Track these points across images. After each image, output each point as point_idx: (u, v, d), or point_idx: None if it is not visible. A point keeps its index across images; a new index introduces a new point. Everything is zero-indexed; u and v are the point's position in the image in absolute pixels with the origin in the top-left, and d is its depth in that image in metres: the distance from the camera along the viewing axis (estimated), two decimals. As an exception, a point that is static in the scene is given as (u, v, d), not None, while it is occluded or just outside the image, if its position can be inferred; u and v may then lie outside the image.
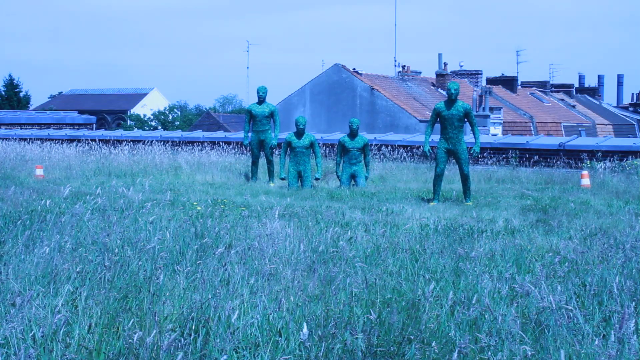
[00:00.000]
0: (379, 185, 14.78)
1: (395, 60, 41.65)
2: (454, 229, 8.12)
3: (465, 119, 11.96)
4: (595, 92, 56.11)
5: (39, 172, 15.14)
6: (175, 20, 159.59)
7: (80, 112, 44.95)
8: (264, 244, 6.54)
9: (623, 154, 18.80)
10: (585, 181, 14.42)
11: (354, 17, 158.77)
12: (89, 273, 5.38)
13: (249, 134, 15.46)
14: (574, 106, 48.93)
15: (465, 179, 12.08)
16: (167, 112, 62.38)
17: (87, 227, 7.11)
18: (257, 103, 15.34)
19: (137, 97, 68.59)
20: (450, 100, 11.89)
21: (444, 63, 40.99)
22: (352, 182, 14.31)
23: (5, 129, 31.75)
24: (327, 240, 6.95)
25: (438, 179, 12.07)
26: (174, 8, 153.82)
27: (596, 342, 4.16)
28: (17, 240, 6.52)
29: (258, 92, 15.32)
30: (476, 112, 36.63)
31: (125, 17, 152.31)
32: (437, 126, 12.27)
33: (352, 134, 14.36)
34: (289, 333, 4.38)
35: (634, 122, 50.02)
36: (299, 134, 14.25)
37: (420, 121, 32.36)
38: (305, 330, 4.22)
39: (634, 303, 5.10)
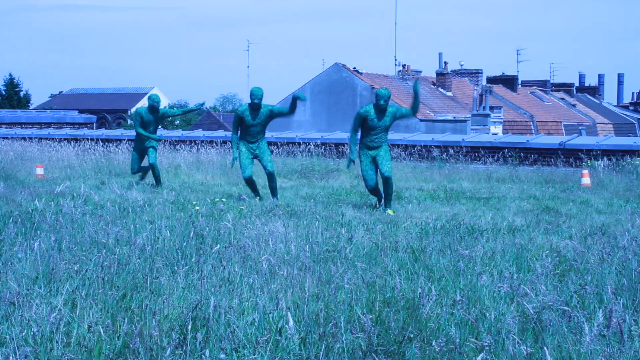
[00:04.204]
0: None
1: (395, 59, 41.73)
2: (455, 227, 8.11)
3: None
4: (595, 91, 56.12)
5: (40, 171, 15.14)
6: (176, 20, 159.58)
7: (81, 111, 44.99)
8: (262, 242, 6.55)
9: (623, 153, 18.80)
10: (586, 180, 14.42)
11: (354, 16, 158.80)
12: (88, 272, 5.38)
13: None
14: (574, 105, 48.93)
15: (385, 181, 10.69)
16: (167, 112, 62.34)
17: (86, 227, 7.11)
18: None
19: (138, 96, 68.59)
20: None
21: (445, 62, 40.98)
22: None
23: (6, 128, 31.76)
24: (326, 238, 6.95)
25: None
26: (176, 17, 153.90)
27: (596, 341, 4.16)
28: (16, 239, 6.52)
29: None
30: (477, 111, 36.63)
31: (126, 17, 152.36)
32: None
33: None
34: (288, 332, 4.37)
35: (634, 121, 50.02)
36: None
37: (421, 120, 32.34)
38: (291, 323, 4.28)
39: (634, 302, 5.10)
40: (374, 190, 10.74)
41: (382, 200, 10.64)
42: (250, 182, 11.48)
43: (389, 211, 10.13)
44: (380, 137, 10.63)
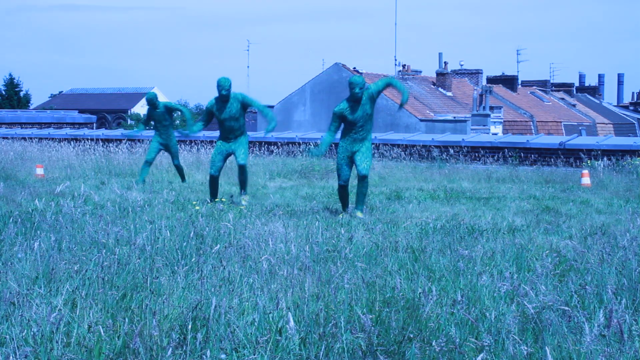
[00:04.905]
0: (381, 185, 14.77)
1: (395, 59, 41.71)
2: (455, 227, 8.11)
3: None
4: (595, 91, 56.14)
5: (40, 171, 15.14)
6: (176, 20, 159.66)
7: (81, 111, 44.98)
8: (262, 242, 6.54)
9: (623, 153, 18.80)
10: (586, 180, 14.42)
11: (354, 16, 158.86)
12: (88, 272, 5.39)
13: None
14: (574, 105, 48.94)
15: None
16: (167, 112, 62.35)
17: (86, 227, 7.11)
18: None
19: (138, 96, 68.52)
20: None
21: (445, 62, 40.99)
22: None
23: (6, 128, 31.76)
24: (326, 238, 6.95)
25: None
26: (176, 17, 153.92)
27: (596, 341, 4.15)
28: (16, 239, 6.52)
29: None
30: (477, 111, 36.63)
31: (126, 17, 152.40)
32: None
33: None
34: (289, 332, 4.38)
35: (634, 121, 50.02)
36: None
37: (421, 120, 32.35)
38: (291, 323, 4.27)
39: (635, 302, 5.10)
40: (343, 189, 9.97)
41: (347, 207, 9.90)
42: (212, 182, 10.92)
43: (359, 214, 9.54)
44: (365, 127, 9.95)
